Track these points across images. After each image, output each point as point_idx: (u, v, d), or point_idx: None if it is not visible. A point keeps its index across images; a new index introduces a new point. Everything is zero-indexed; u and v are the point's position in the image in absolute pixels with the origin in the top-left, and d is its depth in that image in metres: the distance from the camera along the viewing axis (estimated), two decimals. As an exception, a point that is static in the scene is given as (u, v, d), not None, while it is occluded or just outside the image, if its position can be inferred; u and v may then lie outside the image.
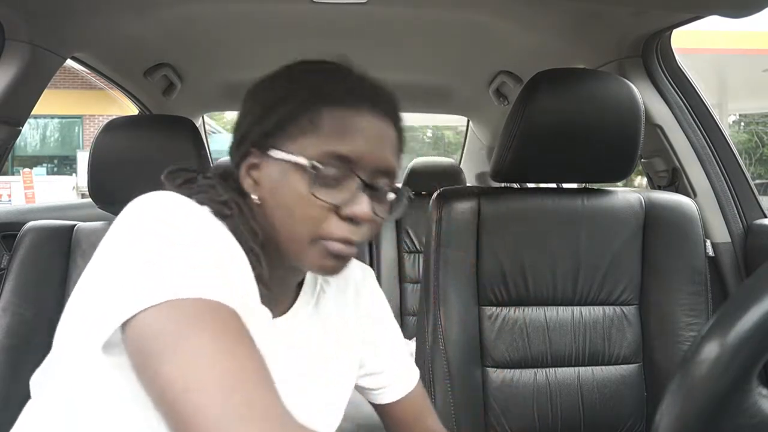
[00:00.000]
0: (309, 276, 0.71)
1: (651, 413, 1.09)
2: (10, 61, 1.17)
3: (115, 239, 0.50)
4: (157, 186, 0.63)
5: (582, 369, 1.09)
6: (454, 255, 1.06)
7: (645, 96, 1.21)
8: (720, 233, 1.29)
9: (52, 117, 12.81)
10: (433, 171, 2.47)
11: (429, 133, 15.61)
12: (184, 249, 0.48)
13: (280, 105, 0.59)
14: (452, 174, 2.46)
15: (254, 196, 0.59)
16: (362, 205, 0.57)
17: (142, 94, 1.93)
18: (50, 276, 1.11)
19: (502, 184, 1.23)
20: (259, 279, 0.58)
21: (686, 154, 1.32)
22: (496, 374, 1.07)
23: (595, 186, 1.19)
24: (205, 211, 0.56)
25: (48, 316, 1.05)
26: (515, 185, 1.59)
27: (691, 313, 1.09)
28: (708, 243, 1.23)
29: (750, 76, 8.77)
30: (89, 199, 1.16)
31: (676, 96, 1.35)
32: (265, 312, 0.62)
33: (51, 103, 6.66)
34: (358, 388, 0.78)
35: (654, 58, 1.36)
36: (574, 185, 1.23)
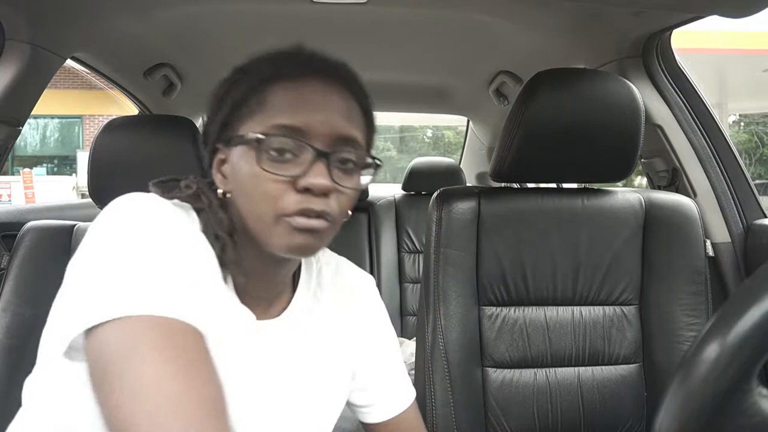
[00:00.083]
0: (304, 279, 0.69)
1: (651, 413, 1.09)
2: (10, 61, 1.17)
3: (86, 246, 0.51)
4: None
5: (582, 369, 1.09)
6: (454, 255, 1.06)
7: (645, 96, 1.21)
8: (720, 233, 1.29)
9: (52, 117, 12.81)
10: (433, 171, 2.46)
11: (429, 133, 15.62)
12: (149, 262, 0.48)
13: (231, 93, 0.60)
14: (452, 174, 2.46)
15: (221, 190, 0.60)
16: (317, 175, 0.56)
17: (142, 94, 1.93)
18: (50, 276, 1.11)
19: (502, 184, 1.23)
20: (228, 265, 0.57)
21: (686, 154, 1.32)
22: (496, 374, 1.07)
23: (595, 186, 1.19)
24: (180, 212, 0.56)
25: (48, 316, 1.05)
26: (515, 185, 1.59)
27: (691, 313, 1.09)
28: (708, 243, 1.23)
29: (750, 76, 8.78)
30: (89, 199, 1.16)
31: (676, 96, 1.35)
32: (247, 314, 0.62)
33: (51, 103, 6.66)
34: (347, 403, 0.76)
35: (654, 58, 1.36)
36: (574, 185, 1.23)
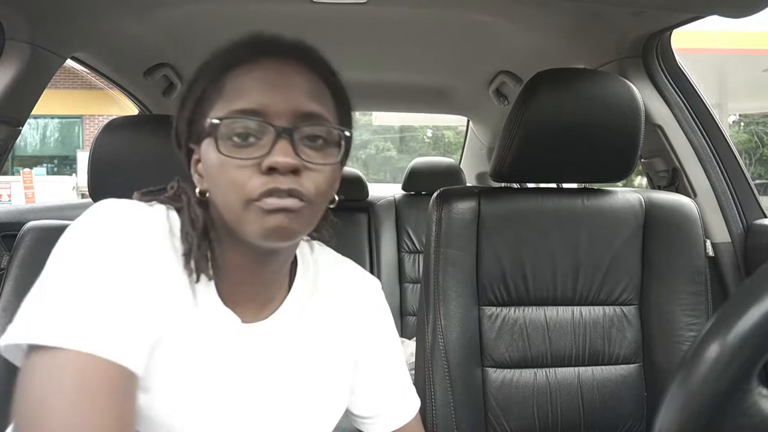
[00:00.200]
0: (299, 281, 0.67)
1: (651, 413, 1.09)
2: (10, 61, 1.17)
3: (52, 261, 0.52)
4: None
5: (582, 369, 1.09)
6: (454, 255, 1.06)
7: (645, 96, 1.21)
8: (720, 233, 1.29)
9: (52, 117, 12.80)
10: (433, 171, 2.46)
11: (429, 133, 15.62)
12: (99, 295, 0.49)
13: (193, 89, 0.60)
14: (452, 174, 2.46)
15: (198, 188, 0.60)
16: (280, 153, 0.54)
17: (142, 94, 1.93)
18: (50, 276, 1.10)
19: (502, 184, 1.23)
20: (200, 263, 0.57)
21: (686, 154, 1.32)
22: (496, 374, 1.07)
23: (595, 186, 1.19)
24: (151, 220, 0.57)
25: None
26: (515, 185, 1.59)
27: (691, 313, 1.09)
28: (708, 243, 1.23)
29: (750, 76, 8.77)
30: (89, 199, 1.16)
31: (676, 96, 1.35)
32: (230, 317, 0.61)
33: (51, 103, 6.66)
34: (347, 413, 0.74)
35: (654, 58, 1.36)
36: (574, 185, 1.23)
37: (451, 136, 14.29)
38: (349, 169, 2.55)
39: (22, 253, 1.12)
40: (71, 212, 1.75)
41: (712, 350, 0.38)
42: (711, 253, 1.26)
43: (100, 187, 1.11)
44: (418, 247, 2.35)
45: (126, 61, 1.69)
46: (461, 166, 2.73)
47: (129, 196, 0.62)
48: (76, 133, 13.22)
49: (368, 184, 2.45)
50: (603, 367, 1.09)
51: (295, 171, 0.54)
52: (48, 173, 12.63)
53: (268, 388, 0.63)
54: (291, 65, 0.58)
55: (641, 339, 1.11)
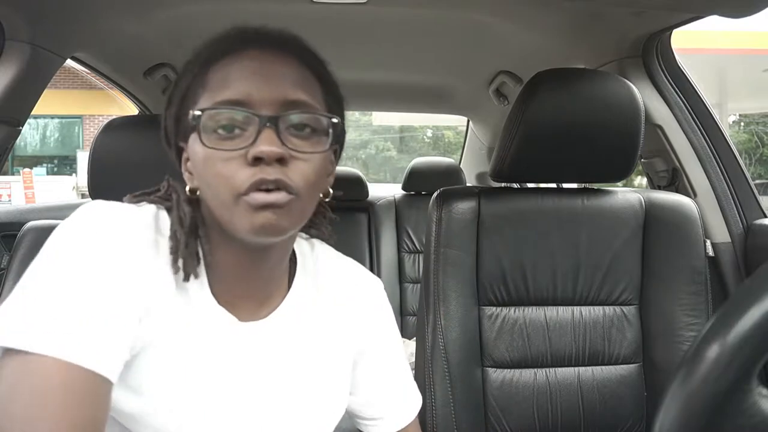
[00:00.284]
0: (299, 279, 0.67)
1: (651, 413, 1.09)
2: (10, 61, 1.17)
3: (37, 259, 0.51)
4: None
5: (582, 369, 1.09)
6: (454, 255, 1.06)
7: (645, 96, 1.21)
8: (720, 233, 1.29)
9: (52, 117, 12.81)
10: (433, 171, 2.46)
11: (429, 133, 15.62)
12: (76, 293, 0.49)
13: (178, 86, 0.59)
14: (452, 174, 2.46)
15: (188, 186, 0.59)
16: (265, 142, 0.52)
17: (142, 94, 1.93)
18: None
19: (502, 184, 1.23)
20: (187, 261, 0.56)
21: (686, 154, 1.32)
22: (496, 374, 1.07)
23: (595, 186, 1.19)
24: (137, 223, 0.56)
25: None
26: (515, 185, 1.59)
27: (691, 313, 1.09)
28: (708, 243, 1.23)
29: (750, 76, 8.77)
30: (89, 199, 1.16)
31: (676, 96, 1.35)
32: (224, 316, 0.60)
33: (51, 103, 6.66)
34: (348, 413, 0.73)
35: (654, 58, 1.36)
36: (574, 185, 1.23)
37: (451, 136, 14.29)
38: (349, 169, 2.55)
39: (22, 253, 1.12)
40: (71, 212, 1.75)
41: (712, 350, 0.38)
42: (711, 253, 1.26)
43: (100, 187, 1.11)
44: (418, 247, 2.35)
45: (126, 61, 1.69)
46: (461, 166, 2.73)
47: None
48: (76, 133, 13.22)
49: (368, 184, 2.45)
50: (603, 367, 1.09)
51: (281, 160, 0.53)
52: (48, 173, 12.63)
53: (269, 387, 0.62)
54: (275, 54, 0.57)
55: (641, 339, 1.11)
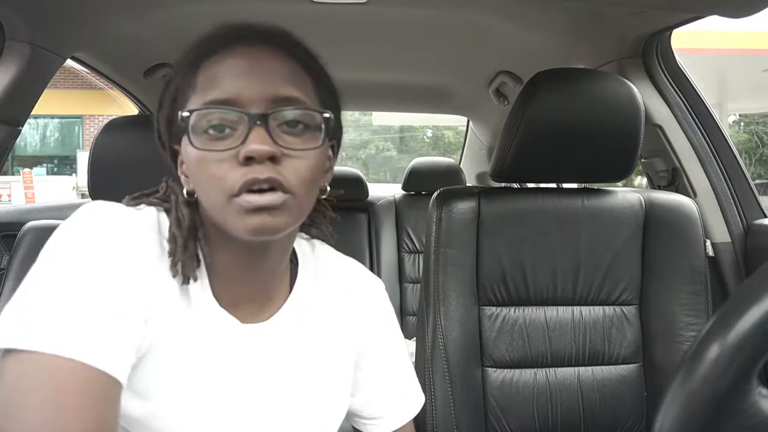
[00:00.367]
0: (300, 281, 0.66)
1: (651, 413, 1.09)
2: (10, 61, 1.17)
3: (38, 260, 0.51)
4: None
5: (582, 369, 1.09)
6: (453, 255, 1.06)
7: (645, 96, 1.21)
8: (720, 233, 1.29)
9: (52, 117, 12.81)
10: (433, 171, 2.47)
11: (429, 133, 15.62)
12: (81, 293, 0.48)
13: (169, 88, 0.59)
14: (452, 174, 2.46)
15: (185, 189, 0.58)
16: (255, 140, 0.51)
17: (142, 94, 1.93)
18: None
19: (502, 184, 1.23)
20: (186, 264, 0.56)
21: (686, 154, 1.32)
22: (496, 374, 1.07)
23: (595, 186, 1.19)
24: (136, 224, 0.55)
25: None
26: (515, 185, 1.59)
27: (691, 313, 1.09)
28: (708, 243, 1.23)
29: (750, 76, 8.77)
30: (89, 199, 1.16)
31: (676, 96, 1.35)
32: (227, 319, 0.60)
33: (51, 103, 6.66)
34: (349, 415, 0.73)
35: (654, 58, 1.36)
36: (574, 185, 1.23)
37: (451, 136, 14.29)
38: (349, 169, 2.55)
39: (22, 253, 1.12)
40: (71, 212, 1.74)
41: (712, 350, 0.38)
42: (711, 253, 1.26)
43: (100, 187, 1.11)
44: (418, 247, 2.35)
45: (126, 61, 1.68)
46: (461, 166, 2.73)
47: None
48: (76, 133, 13.22)
49: (368, 184, 2.45)
50: (603, 367, 1.09)
51: (273, 159, 0.52)
52: (48, 173, 12.63)
53: (272, 390, 0.62)
54: (263, 50, 0.56)
55: (641, 339, 1.11)
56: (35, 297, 0.48)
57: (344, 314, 0.69)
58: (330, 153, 0.63)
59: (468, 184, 2.66)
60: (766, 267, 0.40)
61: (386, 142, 15.40)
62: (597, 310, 1.11)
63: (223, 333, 0.59)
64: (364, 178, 2.45)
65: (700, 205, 1.17)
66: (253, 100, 0.53)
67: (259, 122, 0.52)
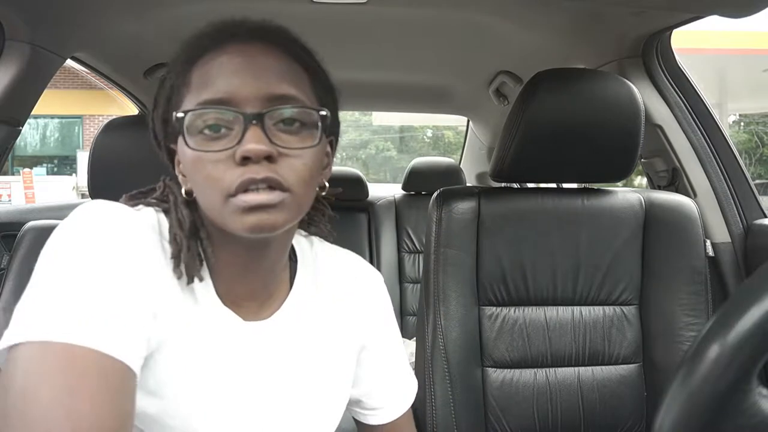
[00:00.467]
0: (300, 278, 0.67)
1: (651, 413, 1.09)
2: (10, 61, 1.17)
3: (41, 258, 0.50)
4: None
5: (582, 369, 1.09)
6: (453, 255, 1.06)
7: (645, 96, 1.21)
8: (720, 233, 1.29)
9: (52, 117, 12.81)
10: (433, 171, 2.47)
11: (429, 133, 15.62)
12: (94, 286, 0.48)
13: (163, 87, 0.59)
14: (452, 174, 2.46)
15: (183, 188, 0.58)
16: (251, 140, 0.51)
17: (142, 94, 1.93)
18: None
19: (502, 184, 1.23)
20: (189, 265, 0.56)
21: (686, 154, 1.32)
22: (496, 374, 1.07)
23: (595, 186, 1.19)
24: (136, 223, 0.55)
25: None
26: (515, 185, 1.59)
27: (691, 313, 1.09)
28: (708, 243, 1.23)
29: (750, 76, 8.77)
30: (89, 199, 1.16)
31: (676, 96, 1.35)
32: (230, 317, 0.60)
33: (51, 103, 6.66)
34: (348, 405, 0.73)
35: (654, 58, 1.36)
36: (574, 185, 1.23)
37: (451, 136, 14.29)
38: (349, 169, 2.55)
39: (22, 253, 1.12)
40: (71, 212, 1.75)
41: (712, 350, 0.38)
42: (711, 253, 1.26)
43: (100, 187, 1.11)
44: (418, 247, 2.35)
45: (126, 61, 1.68)
46: (461, 166, 2.73)
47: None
48: (76, 133, 13.22)
49: (368, 184, 2.45)
50: (603, 367, 1.09)
51: (270, 158, 0.51)
52: (48, 173, 12.64)
53: (275, 386, 0.63)
54: (257, 48, 0.55)
55: (641, 339, 1.11)
56: (45, 291, 0.48)
57: (345, 310, 0.70)
58: (328, 149, 0.63)
59: (468, 184, 2.67)
60: (766, 267, 0.40)
61: (386, 142, 15.40)
62: (597, 310, 1.11)
63: (228, 331, 0.60)
64: (364, 178, 2.45)
65: (700, 205, 1.17)
66: (248, 98, 0.53)
67: (254, 122, 0.52)
